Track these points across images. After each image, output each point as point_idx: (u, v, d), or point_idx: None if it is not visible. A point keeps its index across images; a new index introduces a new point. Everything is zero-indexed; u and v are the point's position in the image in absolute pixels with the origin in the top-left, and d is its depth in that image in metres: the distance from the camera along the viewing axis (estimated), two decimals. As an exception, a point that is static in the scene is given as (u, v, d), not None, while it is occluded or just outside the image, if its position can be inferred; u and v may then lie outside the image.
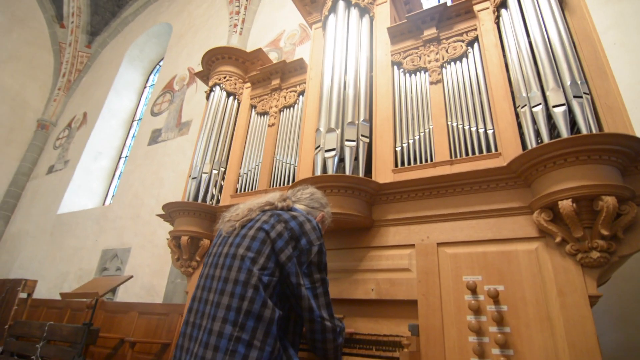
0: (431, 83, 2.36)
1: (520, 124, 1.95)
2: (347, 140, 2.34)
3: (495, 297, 1.68)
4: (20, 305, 4.74)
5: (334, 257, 2.22)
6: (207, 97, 3.36)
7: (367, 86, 2.59)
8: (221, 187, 2.97)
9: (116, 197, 6.79)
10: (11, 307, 4.65)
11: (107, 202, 7.90)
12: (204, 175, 2.93)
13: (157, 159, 6.52)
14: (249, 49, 6.90)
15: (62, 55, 9.66)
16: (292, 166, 2.72)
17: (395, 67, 2.62)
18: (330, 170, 2.28)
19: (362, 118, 2.45)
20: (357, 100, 2.50)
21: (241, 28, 6.80)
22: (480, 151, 2.05)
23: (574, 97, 1.76)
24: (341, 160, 2.33)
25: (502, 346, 1.61)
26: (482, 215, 1.89)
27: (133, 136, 8.41)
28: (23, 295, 4.91)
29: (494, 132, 2.04)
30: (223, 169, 3.02)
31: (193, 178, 2.97)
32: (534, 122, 1.85)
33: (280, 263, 1.35)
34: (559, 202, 1.58)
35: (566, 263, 1.62)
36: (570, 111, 1.77)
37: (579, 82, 1.80)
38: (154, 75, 9.25)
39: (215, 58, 3.41)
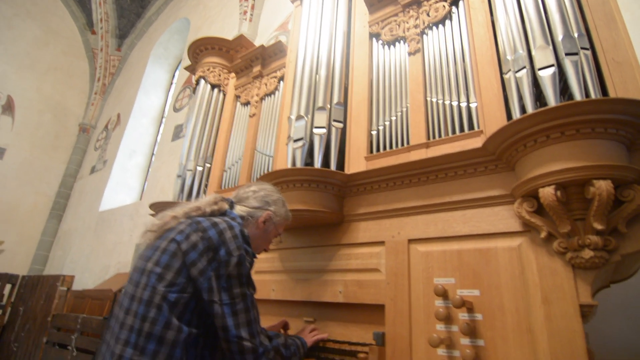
0: (409, 54, 2.05)
1: (507, 94, 1.61)
2: (315, 127, 2.12)
3: (468, 304, 1.42)
4: (61, 299, 5.12)
5: (304, 257, 2.04)
6: (194, 91, 3.27)
7: (343, 65, 2.33)
8: (207, 184, 2.88)
9: (146, 193, 7.08)
10: (52, 301, 5.03)
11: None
12: (189, 173, 2.86)
13: (179, 154, 6.66)
14: (259, 35, 6.79)
15: (95, 60, 10.17)
16: (271, 158, 2.56)
17: (374, 39, 2.32)
18: (299, 162, 2.08)
19: (335, 101, 2.21)
20: (329, 81, 2.26)
21: (251, 14, 6.64)
22: (462, 130, 1.74)
23: (567, 54, 1.40)
24: (311, 150, 2.12)
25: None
26: (458, 206, 1.60)
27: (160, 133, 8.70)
28: (63, 289, 5.30)
29: (477, 107, 1.72)
30: (209, 165, 2.93)
31: (178, 176, 2.91)
32: (519, 90, 1.51)
33: (192, 278, 1.21)
34: (540, 190, 1.27)
35: (554, 263, 1.32)
36: (561, 73, 1.42)
37: (575, 35, 1.43)
38: (178, 71, 9.45)
39: (199, 50, 3.29)
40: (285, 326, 1.84)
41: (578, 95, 1.33)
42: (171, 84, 9.63)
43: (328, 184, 1.93)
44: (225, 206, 1.50)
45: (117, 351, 1.14)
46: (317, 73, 2.30)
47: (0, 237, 7.76)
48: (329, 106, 2.19)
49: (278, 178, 1.96)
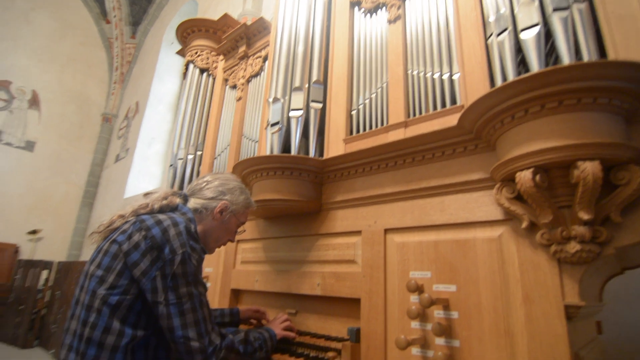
0: (389, 22, 1.84)
1: (490, 62, 1.40)
2: (292, 109, 1.98)
3: (444, 301, 1.29)
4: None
5: (284, 247, 1.96)
6: (184, 77, 3.18)
7: (323, 39, 2.15)
8: (198, 172, 2.83)
9: (166, 179, 7.23)
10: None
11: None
12: (180, 162, 2.82)
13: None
14: (264, 12, 6.56)
15: (112, 50, 10.31)
16: (257, 144, 2.45)
17: (355, 8, 2.11)
18: (276, 149, 1.96)
19: (314, 79, 2.05)
20: (307, 58, 2.09)
21: (254, -9, 6.39)
22: (444, 105, 1.55)
23: (555, 9, 1.17)
24: (288, 134, 1.99)
25: (448, 364, 1.24)
26: (435, 192, 1.44)
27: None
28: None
29: (459, 78, 1.52)
30: (200, 152, 2.87)
31: (171, 165, 2.88)
32: (501, 57, 1.30)
33: (135, 279, 1.16)
34: (517, 174, 1.09)
35: (537, 257, 1.15)
36: (548, 34, 1.20)
37: (567, -15, 1.19)
38: (190, 55, 9.40)
39: (186, 33, 3.17)
40: (261, 316, 1.79)
41: (566, 59, 1.11)
42: (185, 68, 9.62)
43: (303, 171, 1.80)
44: (177, 200, 1.42)
45: (62, 356, 1.14)
46: (295, 49, 2.13)
47: (38, 225, 8.26)
48: (306, 86, 2.03)
49: (250, 167, 1.86)
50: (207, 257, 2.40)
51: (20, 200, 8.32)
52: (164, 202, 1.37)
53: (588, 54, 1.11)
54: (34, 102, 8.85)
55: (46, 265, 6.44)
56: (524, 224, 1.15)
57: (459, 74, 1.51)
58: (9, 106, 8.45)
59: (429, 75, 1.62)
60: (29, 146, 8.64)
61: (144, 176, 8.57)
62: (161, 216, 1.27)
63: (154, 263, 1.17)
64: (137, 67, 10.18)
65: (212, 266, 2.37)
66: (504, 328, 1.16)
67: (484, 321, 1.20)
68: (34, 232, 8.06)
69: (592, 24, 1.17)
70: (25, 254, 8.00)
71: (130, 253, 1.17)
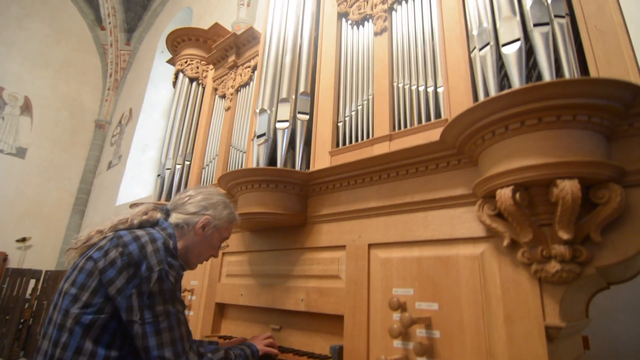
0: (375, 34, 1.83)
1: (474, 76, 1.39)
2: (278, 121, 1.96)
3: (425, 320, 1.26)
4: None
5: (269, 260, 1.93)
6: (174, 86, 3.16)
7: (311, 49, 2.14)
8: (187, 182, 2.80)
9: (155, 187, 7.18)
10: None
11: (157, 191, 8.45)
12: (168, 172, 2.79)
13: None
14: (257, 21, 6.58)
15: (106, 56, 10.29)
16: (245, 155, 2.42)
17: (343, 19, 2.10)
18: (262, 161, 1.94)
19: (301, 90, 2.03)
20: (294, 68, 2.08)
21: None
22: (428, 118, 1.54)
23: (536, 25, 1.17)
24: (275, 146, 1.97)
25: (429, 386, 1.21)
26: (419, 207, 1.42)
27: (171, 126, 8.75)
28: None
29: (443, 92, 1.51)
30: (188, 162, 2.84)
31: (158, 175, 2.85)
32: (483, 72, 1.29)
33: (110, 297, 1.12)
34: (497, 192, 1.08)
35: (518, 276, 1.13)
36: (530, 49, 1.19)
37: (548, 1, 1.19)
38: (185, 62, 9.40)
39: (176, 42, 3.16)
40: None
41: (547, 75, 1.10)
42: (180, 75, 9.61)
43: (288, 184, 1.78)
44: (157, 215, 1.39)
45: None
46: (282, 60, 2.13)
47: (27, 232, 8.15)
48: (293, 97, 2.02)
49: (235, 179, 1.84)
50: (191, 271, 2.36)
51: (11, 207, 8.22)
52: (144, 217, 1.34)
53: (569, 70, 1.10)
54: (26, 108, 8.79)
55: (34, 274, 6.32)
56: (506, 242, 1.13)
57: (443, 88, 1.50)
58: (1, 112, 8.38)
59: (414, 87, 1.61)
60: (21, 153, 8.56)
61: (137, 183, 8.51)
62: (139, 232, 1.24)
63: (130, 280, 1.13)
64: (132, 74, 10.17)
65: (197, 279, 2.32)
66: (485, 348, 1.14)
67: (466, 341, 1.18)
68: (23, 239, 7.95)
69: (573, 40, 1.16)
70: (14, 262, 7.87)
71: (105, 270, 1.13)
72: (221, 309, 2.14)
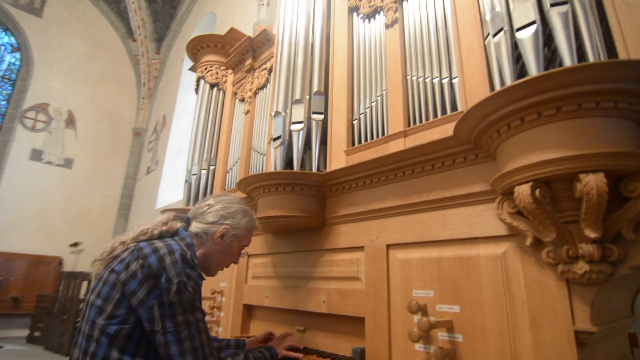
0: (386, 26, 1.77)
1: (489, 64, 1.31)
2: (293, 123, 1.96)
3: (447, 323, 1.21)
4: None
5: (291, 262, 1.94)
6: (196, 93, 3.24)
7: (323, 47, 2.11)
8: (212, 187, 2.87)
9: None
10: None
11: (193, 193, 8.76)
12: (194, 177, 2.87)
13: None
14: (277, 20, 6.60)
15: (139, 66, 10.74)
16: (265, 157, 2.44)
17: (354, 13, 2.05)
18: (278, 164, 1.95)
19: (314, 90, 2.01)
20: (307, 68, 2.06)
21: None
22: (444, 111, 1.47)
23: (553, 5, 1.07)
24: (290, 148, 1.96)
25: (453, 392, 1.16)
26: (437, 206, 1.36)
27: (201, 129, 9.01)
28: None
29: (459, 82, 1.43)
30: (213, 167, 2.91)
31: (186, 181, 2.94)
32: (498, 59, 1.21)
33: (132, 308, 1.17)
34: (515, 189, 1.01)
35: (544, 277, 1.05)
36: (547, 32, 1.10)
37: (567, -24, 1.09)
38: (212, 66, 9.62)
39: (196, 50, 3.23)
40: (269, 337, 1.76)
41: (568, 60, 1.01)
42: (207, 79, 9.86)
43: (304, 186, 1.77)
44: (177, 225, 1.43)
45: None
46: (294, 60, 2.11)
47: (78, 238, 8.75)
48: (307, 97, 2.00)
49: (252, 184, 1.86)
50: (221, 271, 2.42)
51: (62, 215, 8.84)
52: (164, 227, 1.38)
53: (593, 53, 1.01)
54: (70, 121, 9.38)
55: (86, 276, 6.79)
56: (528, 241, 1.06)
57: (458, 78, 1.43)
58: (48, 127, 9.01)
59: (428, 80, 1.55)
60: (68, 163, 9.17)
61: (173, 186, 8.86)
62: (158, 243, 1.28)
63: (151, 292, 1.17)
64: (163, 82, 10.56)
65: (226, 280, 2.39)
66: (510, 353, 1.08)
67: (490, 345, 1.12)
68: (75, 244, 8.54)
69: (597, 18, 1.06)
70: (68, 266, 8.48)
71: (127, 282, 1.18)
72: (249, 311, 2.18)
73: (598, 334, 0.97)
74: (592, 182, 0.87)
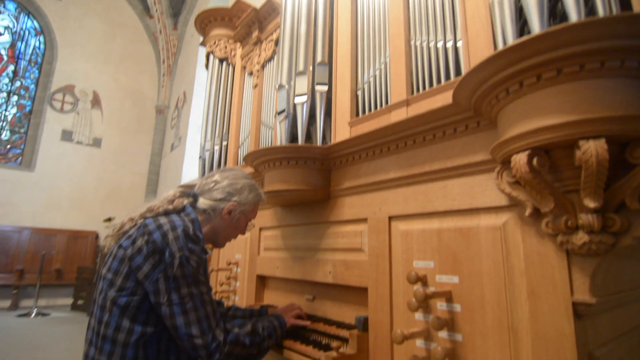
0: (390, -12, 1.68)
1: (493, 24, 1.22)
2: (297, 95, 1.93)
3: (446, 294, 1.21)
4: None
5: (299, 234, 1.97)
6: (206, 68, 3.24)
7: (327, 15, 2.04)
8: (225, 163, 2.91)
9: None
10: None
11: (215, 168, 8.95)
12: (207, 153, 2.92)
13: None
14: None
15: (157, 44, 10.79)
16: (273, 131, 2.44)
17: (358, -24, 1.95)
18: (283, 137, 1.94)
19: (318, 60, 1.96)
20: (310, 37, 2.00)
21: (279, -35, 6.22)
22: (448, 77, 1.40)
23: (561, -47, 0.97)
24: (295, 121, 1.95)
25: (450, 358, 1.18)
26: (438, 176, 1.33)
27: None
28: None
29: (463, 45, 1.35)
30: (225, 143, 2.94)
31: (200, 158, 3.00)
32: (501, 18, 1.12)
33: (139, 281, 1.24)
34: (512, 158, 0.96)
35: (544, 248, 1.02)
36: (554, -16, 1.01)
37: None
38: (228, 40, 9.52)
39: (204, 24, 3.20)
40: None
41: (574, 16, 0.93)
42: (224, 53, 9.79)
43: (308, 159, 1.77)
44: (184, 202, 1.48)
45: (85, 349, 1.27)
46: (297, 30, 2.05)
47: (111, 214, 9.22)
48: (310, 68, 1.96)
49: (258, 158, 1.87)
50: (236, 243, 2.51)
51: (95, 193, 9.31)
52: (170, 206, 1.43)
53: (603, 6, 0.92)
54: (96, 102, 9.67)
55: (120, 249, 7.21)
56: (528, 211, 1.02)
57: (462, 41, 1.35)
58: (75, 108, 9.34)
59: (432, 44, 1.47)
60: (97, 143, 9.54)
61: (197, 161, 9.08)
62: (162, 220, 1.33)
63: (157, 266, 1.23)
64: (182, 58, 10.59)
65: (240, 252, 2.47)
66: (507, 324, 1.07)
67: (487, 316, 1.12)
68: (109, 219, 9.01)
69: (611, -35, 0.96)
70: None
71: (134, 257, 1.24)
72: (262, 281, 2.26)
73: (600, 305, 0.95)
74: (592, 149, 0.81)
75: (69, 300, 7.94)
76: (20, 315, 6.58)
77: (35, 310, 6.67)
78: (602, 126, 0.82)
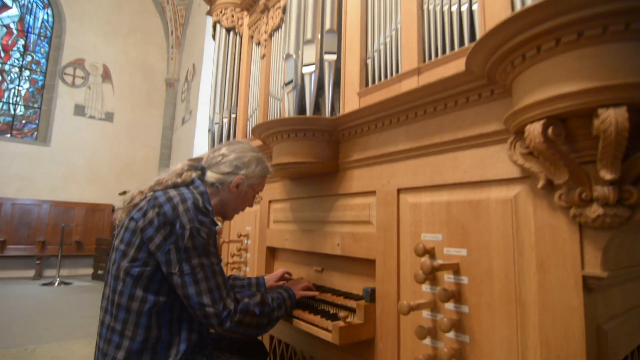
0: (402, -53, 1.58)
1: (513, -17, 1.14)
2: (304, 65, 1.88)
3: (454, 266, 1.21)
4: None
5: (308, 207, 1.97)
6: (213, 38, 3.17)
7: (335, -22, 1.94)
8: (234, 135, 2.90)
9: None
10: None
11: (226, 142, 8.96)
12: (216, 126, 2.91)
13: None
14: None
15: (165, 14, 10.57)
16: (281, 103, 2.40)
17: None
18: (291, 109, 1.91)
19: (327, 28, 1.89)
20: (318, 3, 1.92)
21: None
22: (462, 43, 1.34)
23: None
24: (303, 92, 1.90)
25: (456, 329, 1.19)
26: (448, 147, 1.30)
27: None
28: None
29: (478, 8, 1.27)
30: (234, 115, 2.92)
31: (209, 131, 2.99)
32: (521, -24, 1.05)
33: (151, 252, 1.27)
34: (526, 128, 0.92)
35: (556, 221, 1.00)
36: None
37: None
38: (236, 9, 9.26)
39: (210, -8, 3.10)
40: (284, 276, 1.89)
41: (601, -30, 0.85)
42: (233, 24, 9.56)
43: (316, 131, 1.74)
44: (192, 175, 1.49)
45: (100, 317, 1.32)
46: (305, -4, 1.97)
47: (126, 187, 9.40)
48: (319, 36, 1.89)
49: (265, 130, 1.85)
50: (246, 216, 2.54)
51: (109, 166, 9.47)
52: (179, 179, 1.44)
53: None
54: (106, 75, 9.64)
55: (136, 221, 7.41)
56: (541, 184, 0.99)
57: (477, 3, 1.27)
58: (87, 82, 9.34)
59: (446, 8, 1.39)
60: (109, 117, 9.60)
61: (207, 134, 9.10)
62: (172, 192, 1.34)
63: (168, 238, 1.25)
64: (190, 29, 10.39)
65: (250, 224, 2.50)
66: (515, 297, 1.06)
67: (495, 288, 1.11)
68: (124, 192, 9.21)
69: None
70: (120, 212, 9.25)
71: (145, 229, 1.27)
72: (272, 252, 2.30)
73: (611, 279, 0.93)
74: (612, 118, 0.77)
75: (90, 270, 8.28)
76: (44, 284, 6.91)
77: (58, 280, 6.99)
78: (624, 93, 0.77)
